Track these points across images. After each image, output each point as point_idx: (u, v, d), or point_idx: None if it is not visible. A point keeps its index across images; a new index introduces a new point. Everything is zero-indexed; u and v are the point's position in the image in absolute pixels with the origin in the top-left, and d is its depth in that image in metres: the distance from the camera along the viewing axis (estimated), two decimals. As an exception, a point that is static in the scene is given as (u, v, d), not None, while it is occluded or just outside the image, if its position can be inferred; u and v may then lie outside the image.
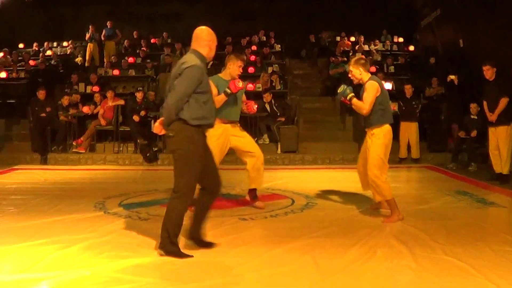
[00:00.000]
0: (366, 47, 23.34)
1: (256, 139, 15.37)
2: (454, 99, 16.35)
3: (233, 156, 14.78)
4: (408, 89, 15.20)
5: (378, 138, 7.71)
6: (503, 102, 10.91)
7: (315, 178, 11.96)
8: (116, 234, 6.83)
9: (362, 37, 23.96)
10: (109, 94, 16.46)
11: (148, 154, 14.67)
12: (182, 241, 5.99)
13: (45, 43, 25.03)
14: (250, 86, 17.80)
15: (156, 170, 13.83)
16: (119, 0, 26.10)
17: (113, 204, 8.89)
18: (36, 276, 5.12)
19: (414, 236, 6.61)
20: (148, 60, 21.45)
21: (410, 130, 14.71)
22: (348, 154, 14.88)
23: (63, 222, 7.60)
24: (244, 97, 8.54)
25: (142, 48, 23.12)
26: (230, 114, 8.23)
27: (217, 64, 20.74)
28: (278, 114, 15.96)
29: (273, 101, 16.15)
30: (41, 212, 8.31)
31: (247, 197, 8.73)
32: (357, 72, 7.81)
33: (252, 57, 21.51)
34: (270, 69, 19.88)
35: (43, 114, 15.65)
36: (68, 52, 24.64)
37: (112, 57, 22.26)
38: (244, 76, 18.73)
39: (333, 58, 20.42)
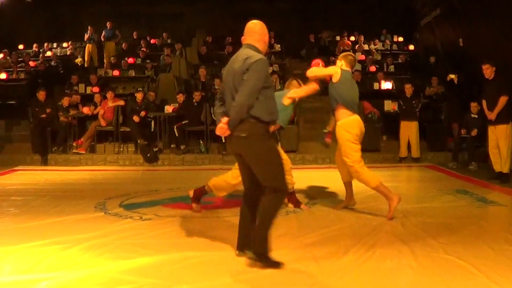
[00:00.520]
0: (366, 47, 23.36)
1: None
2: (454, 98, 16.33)
3: (232, 156, 14.85)
4: (408, 89, 15.18)
5: (348, 130, 7.94)
6: (502, 100, 10.92)
7: (315, 177, 11.94)
8: (117, 234, 6.82)
9: (362, 36, 23.97)
10: (109, 94, 16.44)
11: (148, 155, 14.79)
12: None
13: (45, 44, 25.04)
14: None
15: (157, 170, 13.83)
16: (119, 1, 26.09)
17: (113, 205, 8.89)
18: (37, 277, 5.12)
19: (415, 235, 6.61)
20: (148, 61, 21.45)
21: (410, 129, 14.69)
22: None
23: (63, 223, 7.60)
24: None
25: (142, 49, 23.11)
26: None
27: (217, 64, 20.80)
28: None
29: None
30: (42, 213, 8.31)
31: (289, 204, 8.58)
32: (339, 63, 8.16)
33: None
34: (270, 69, 19.87)
35: (43, 115, 15.65)
36: (68, 53, 24.67)
37: (112, 58, 22.27)
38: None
39: (333, 58, 20.41)
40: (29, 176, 13.14)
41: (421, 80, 18.06)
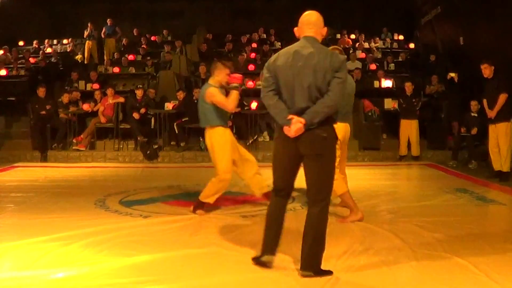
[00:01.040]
0: (366, 45, 23.35)
1: (256, 136, 15.42)
2: (454, 97, 16.33)
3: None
4: (408, 87, 15.15)
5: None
6: (502, 98, 10.93)
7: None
8: (117, 232, 6.82)
9: (363, 34, 23.97)
10: (109, 91, 16.43)
11: (148, 152, 14.78)
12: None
13: (45, 41, 25.03)
14: (250, 84, 17.82)
15: (156, 167, 13.84)
16: (119, -3, 26.13)
17: (113, 202, 8.90)
18: (37, 273, 5.14)
19: (414, 234, 6.61)
20: (148, 58, 21.42)
21: (410, 128, 14.66)
22: (349, 151, 14.84)
23: (63, 220, 7.61)
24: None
25: (142, 46, 23.10)
26: (227, 117, 8.21)
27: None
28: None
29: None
30: (42, 209, 8.33)
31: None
32: None
33: (252, 55, 21.53)
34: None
35: (43, 112, 15.64)
36: (68, 50, 24.67)
37: (113, 55, 22.26)
38: (244, 74, 18.83)
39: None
40: (29, 172, 13.14)
41: (421, 78, 18.04)
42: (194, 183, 10.59)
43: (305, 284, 4.83)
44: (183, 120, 15.32)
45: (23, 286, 4.87)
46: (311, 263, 4.94)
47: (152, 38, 24.84)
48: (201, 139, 15.61)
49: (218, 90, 7.89)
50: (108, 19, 23.42)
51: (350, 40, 23.72)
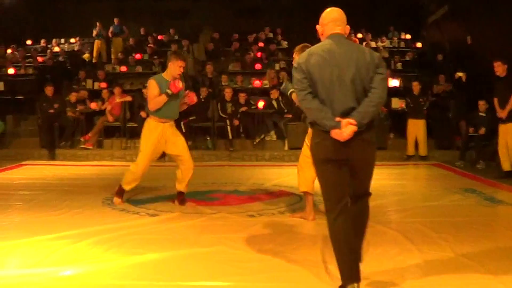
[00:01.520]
0: (373, 44, 23.30)
1: (263, 135, 15.43)
2: (461, 96, 16.31)
3: (239, 153, 14.92)
4: (416, 86, 15.12)
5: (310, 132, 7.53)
6: None
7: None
8: (125, 230, 6.84)
9: (369, 34, 23.93)
10: (117, 90, 16.45)
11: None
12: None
13: (53, 40, 25.12)
14: (257, 83, 17.84)
15: (164, 166, 13.77)
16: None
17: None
18: (45, 271, 5.17)
19: (422, 234, 6.60)
20: (155, 57, 21.46)
21: (417, 127, 14.64)
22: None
23: (71, 218, 7.65)
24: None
25: (149, 45, 23.13)
26: (168, 113, 8.33)
27: (224, 61, 20.86)
28: (286, 110, 15.90)
29: (280, 98, 16.08)
30: (50, 207, 8.35)
31: (176, 201, 8.67)
32: (296, 58, 7.22)
33: (259, 54, 21.54)
34: (277, 66, 19.91)
35: (51, 110, 15.69)
36: (75, 49, 24.73)
37: (119, 54, 22.30)
38: (251, 73, 18.83)
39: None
40: (37, 170, 13.18)
41: (429, 77, 17.98)
42: (201, 181, 10.61)
43: (315, 282, 4.84)
44: (190, 119, 15.32)
45: (31, 283, 4.89)
46: (359, 270, 4.58)
47: (159, 37, 24.87)
48: (208, 138, 15.64)
49: (154, 83, 8.19)
50: (115, 18, 23.44)
51: (356, 39, 23.65)
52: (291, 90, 7.54)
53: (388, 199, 8.94)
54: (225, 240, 6.28)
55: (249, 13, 25.74)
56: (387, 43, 24.05)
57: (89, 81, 18.94)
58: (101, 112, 16.44)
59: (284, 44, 23.27)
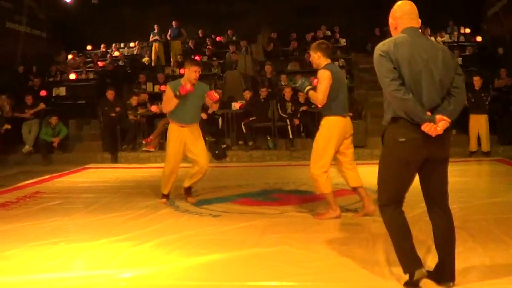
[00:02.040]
0: (432, 39, 23.00)
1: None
2: (524, 90, 16.02)
3: (300, 152, 14.87)
4: (477, 81, 14.87)
5: (321, 130, 7.45)
6: None
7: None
8: (187, 231, 6.86)
9: (429, 29, 23.62)
10: (177, 92, 16.56)
11: (216, 151, 14.79)
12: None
13: (113, 45, 25.45)
14: (316, 81, 17.76)
15: (225, 167, 13.87)
16: (183, 0, 26.29)
17: (183, 202, 8.98)
18: (110, 273, 5.22)
19: (486, 231, 6.46)
20: (214, 58, 21.57)
21: (479, 123, 14.38)
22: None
23: (134, 220, 7.72)
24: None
25: (208, 47, 23.24)
26: (184, 118, 8.64)
27: (283, 60, 20.82)
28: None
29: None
30: (113, 209, 8.46)
31: (188, 198, 9.13)
32: (315, 56, 7.55)
33: (318, 53, 21.44)
34: (337, 64, 19.82)
35: (113, 114, 15.90)
36: (135, 53, 25.00)
37: (178, 56, 22.45)
38: (309, 72, 18.77)
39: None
40: (99, 173, 13.38)
41: (490, 72, 17.65)
42: (263, 182, 10.61)
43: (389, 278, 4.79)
44: (250, 119, 15.35)
45: (96, 285, 4.94)
46: (454, 272, 4.65)
47: (217, 38, 24.97)
48: (268, 138, 15.63)
49: (169, 88, 8.48)
50: (173, 21, 23.64)
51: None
52: (308, 87, 7.58)
53: (451, 196, 8.71)
54: (288, 240, 6.24)
55: (307, 12, 25.66)
56: (446, 37, 23.69)
57: (149, 84, 19.16)
58: (162, 115, 16.56)
59: (342, 42, 23.13)
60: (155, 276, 5.13)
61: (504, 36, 21.63)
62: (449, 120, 4.32)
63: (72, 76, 20.39)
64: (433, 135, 4.29)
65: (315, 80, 7.50)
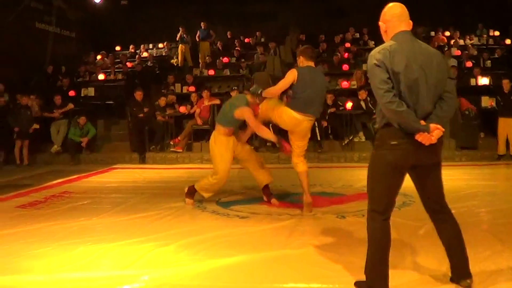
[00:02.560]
0: (461, 42, 22.88)
1: (352, 136, 15.32)
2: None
3: (328, 154, 14.84)
4: (506, 84, 14.71)
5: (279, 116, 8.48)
6: None
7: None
8: (214, 232, 6.87)
9: (458, 32, 23.51)
10: (205, 93, 16.63)
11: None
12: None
13: (141, 45, 25.59)
14: (345, 84, 17.73)
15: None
16: (211, 1, 26.36)
17: (211, 202, 8.96)
18: (136, 273, 5.25)
19: (515, 235, 6.38)
20: (243, 60, 21.62)
21: (509, 126, 14.22)
22: (446, 150, 14.46)
23: (161, 220, 7.76)
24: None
25: (236, 48, 23.29)
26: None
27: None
28: (374, 111, 15.76)
29: (368, 98, 15.93)
30: (140, 210, 8.49)
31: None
32: (298, 60, 8.27)
33: (346, 55, 21.41)
34: (364, 66, 19.75)
35: (141, 115, 15.98)
36: (163, 54, 25.12)
37: (207, 58, 22.51)
38: (338, 74, 18.71)
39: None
40: (127, 174, 13.46)
41: (519, 75, 17.54)
42: (290, 183, 10.59)
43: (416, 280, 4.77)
44: (278, 121, 15.34)
45: (123, 285, 4.97)
46: (469, 268, 4.66)
47: (246, 40, 25.01)
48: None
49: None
50: (202, 23, 23.70)
51: (444, 38, 23.29)
52: (259, 90, 8.44)
53: (479, 200, 8.73)
54: (315, 242, 6.24)
55: (336, 14, 25.63)
56: (475, 40, 23.54)
57: (178, 85, 19.25)
58: (190, 116, 16.63)
59: (371, 44, 23.04)
60: (180, 277, 5.14)
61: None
62: (443, 130, 4.27)
63: (101, 77, 20.52)
64: (427, 144, 4.27)
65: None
